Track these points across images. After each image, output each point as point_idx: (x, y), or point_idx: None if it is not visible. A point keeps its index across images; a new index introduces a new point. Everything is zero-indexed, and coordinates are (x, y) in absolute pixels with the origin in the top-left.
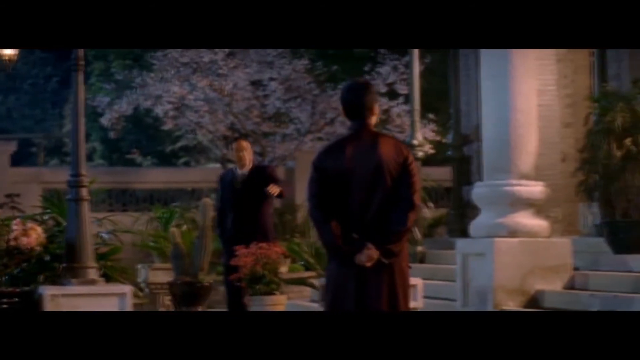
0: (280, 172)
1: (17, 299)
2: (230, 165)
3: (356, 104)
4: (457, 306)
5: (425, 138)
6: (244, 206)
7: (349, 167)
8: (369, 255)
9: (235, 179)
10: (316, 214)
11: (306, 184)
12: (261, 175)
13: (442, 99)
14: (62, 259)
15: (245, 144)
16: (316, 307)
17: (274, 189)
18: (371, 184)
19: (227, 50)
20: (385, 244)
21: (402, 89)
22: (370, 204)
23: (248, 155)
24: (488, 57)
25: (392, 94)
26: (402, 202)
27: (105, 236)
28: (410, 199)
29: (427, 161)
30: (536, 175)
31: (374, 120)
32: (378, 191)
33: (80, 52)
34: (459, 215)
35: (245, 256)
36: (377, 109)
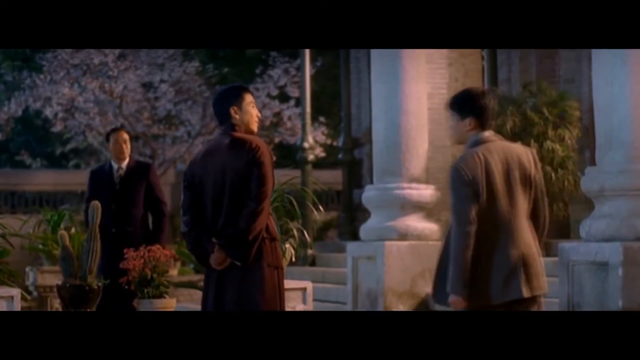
0: (170, 175)
1: None
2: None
3: (216, 109)
4: (348, 309)
5: (316, 141)
6: (125, 203)
7: (203, 174)
8: (216, 258)
9: (113, 173)
10: (183, 223)
11: None
12: (143, 172)
13: (334, 102)
14: None
15: (126, 135)
16: None
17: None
18: (220, 188)
19: (117, 52)
20: (229, 246)
21: (293, 91)
22: (221, 208)
23: (128, 148)
24: (379, 59)
25: (283, 97)
26: (247, 203)
27: None
28: (254, 195)
29: (318, 164)
30: (427, 179)
31: (239, 124)
32: (226, 194)
33: None
34: (350, 218)
35: (134, 259)
36: (241, 113)
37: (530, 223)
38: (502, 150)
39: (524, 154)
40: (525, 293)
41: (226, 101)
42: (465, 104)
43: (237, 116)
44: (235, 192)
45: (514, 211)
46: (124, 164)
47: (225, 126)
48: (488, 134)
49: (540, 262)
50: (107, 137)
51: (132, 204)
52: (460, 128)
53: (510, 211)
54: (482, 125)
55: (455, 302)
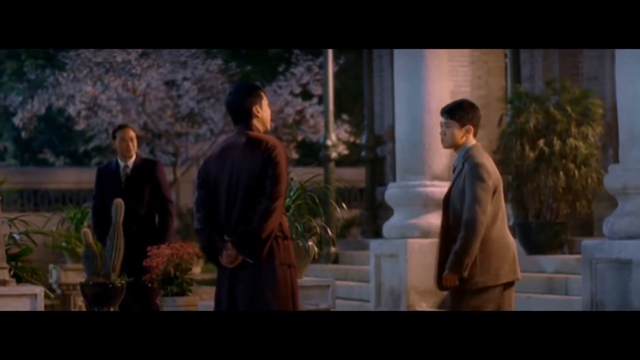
0: (193, 173)
1: None
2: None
3: (233, 108)
4: (371, 307)
5: (339, 139)
6: (131, 201)
7: (218, 172)
8: (227, 256)
9: (120, 171)
10: (195, 220)
11: None
12: (149, 170)
13: (356, 100)
14: None
15: (132, 133)
16: None
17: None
18: (235, 187)
19: (140, 50)
20: (242, 243)
21: (316, 89)
22: (234, 206)
23: (134, 145)
24: (401, 58)
25: (305, 95)
26: (261, 201)
27: (17, 237)
28: (268, 193)
29: (341, 162)
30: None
31: (256, 123)
32: (240, 192)
33: None
34: (373, 216)
35: (157, 256)
36: (259, 112)
37: None
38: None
39: None
40: (519, 275)
41: (249, 100)
42: (467, 114)
43: (259, 115)
44: (249, 191)
45: (504, 207)
46: (130, 161)
47: (243, 125)
48: (476, 142)
49: None
50: (113, 134)
51: (138, 202)
52: (458, 135)
53: (504, 207)
54: (475, 134)
55: (451, 279)
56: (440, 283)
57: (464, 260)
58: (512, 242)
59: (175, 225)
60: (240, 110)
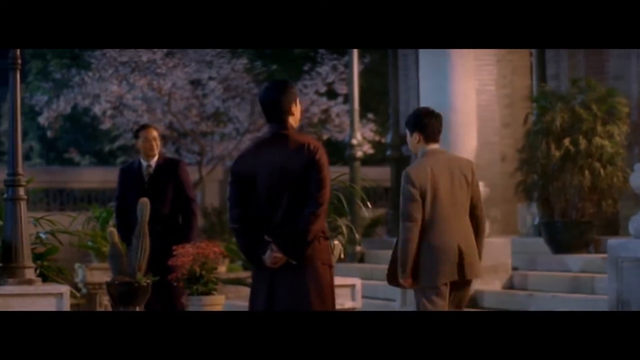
0: (219, 172)
1: None
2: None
3: (269, 105)
4: (397, 306)
5: (364, 138)
6: (154, 201)
7: (257, 170)
8: (272, 257)
9: (142, 171)
10: (230, 218)
11: None
12: (172, 169)
13: (381, 99)
14: None
15: (156, 132)
16: None
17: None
18: (277, 186)
19: (165, 49)
20: (288, 246)
21: (341, 88)
22: (277, 206)
23: (157, 145)
24: (427, 57)
25: (331, 94)
26: (307, 203)
27: (43, 236)
28: (315, 198)
29: (366, 161)
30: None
31: (291, 120)
32: (284, 193)
33: (17, 51)
34: (398, 215)
35: (183, 256)
36: (295, 110)
37: (469, 221)
38: (447, 161)
39: (465, 164)
40: (459, 277)
41: (286, 97)
42: (412, 122)
43: (295, 113)
44: (294, 193)
45: (454, 210)
46: (153, 161)
47: (279, 123)
48: (434, 147)
49: (476, 253)
50: (136, 134)
51: (161, 202)
52: (411, 142)
53: (451, 210)
54: (426, 140)
55: (405, 282)
56: (389, 278)
57: (401, 263)
58: (454, 246)
59: (199, 224)
60: (277, 107)
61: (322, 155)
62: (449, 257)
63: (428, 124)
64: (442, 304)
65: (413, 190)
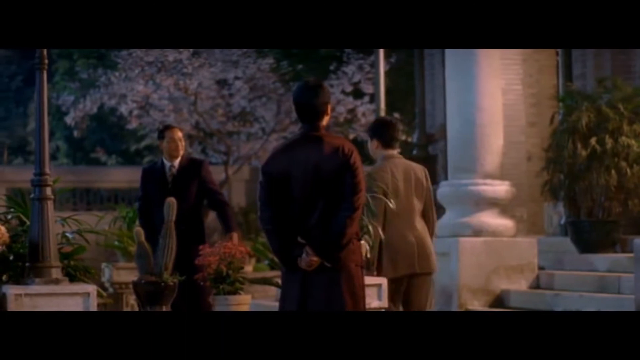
0: (245, 172)
1: None
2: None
3: (306, 106)
4: None
5: None
6: (180, 201)
7: (290, 171)
8: (308, 261)
9: (166, 172)
10: (262, 218)
11: None
12: (196, 169)
13: (408, 98)
14: (25, 259)
15: (181, 133)
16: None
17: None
18: (311, 188)
19: (192, 49)
20: (324, 249)
21: (367, 88)
22: (312, 208)
23: (182, 145)
24: (453, 56)
25: (357, 94)
26: (343, 205)
27: (70, 235)
28: (350, 201)
29: None
30: (501, 175)
31: (325, 121)
32: (318, 195)
33: (44, 51)
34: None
35: (210, 255)
36: (329, 110)
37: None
38: (404, 165)
39: (419, 170)
40: (418, 269)
41: (323, 99)
42: (371, 130)
43: (329, 114)
44: (329, 195)
45: (410, 209)
46: (176, 161)
47: (313, 123)
48: (391, 152)
49: (431, 248)
50: (161, 134)
51: (185, 201)
52: (370, 147)
53: (408, 209)
54: (383, 146)
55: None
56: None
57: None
58: (413, 242)
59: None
60: (313, 109)
61: (357, 159)
62: (408, 251)
63: (384, 132)
64: (399, 296)
65: (377, 190)
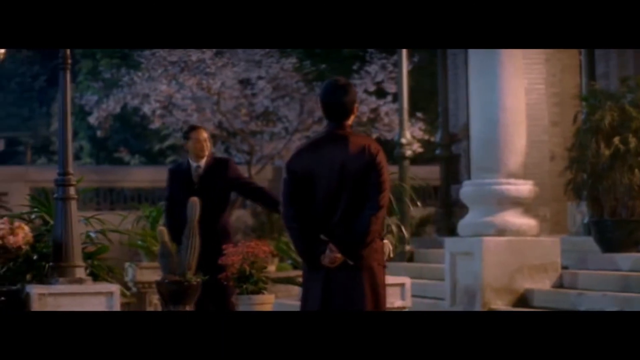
0: (268, 171)
1: (3, 298)
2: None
3: (334, 105)
4: (446, 305)
5: (413, 137)
6: (205, 202)
7: (316, 169)
8: (331, 258)
9: (192, 172)
10: (285, 216)
11: None
12: (222, 169)
13: (431, 98)
14: (49, 258)
15: (206, 133)
16: None
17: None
18: (336, 186)
19: (214, 49)
20: (348, 246)
21: (390, 87)
22: (336, 206)
23: (208, 146)
24: (476, 56)
25: (380, 93)
26: (367, 204)
27: (93, 235)
28: (375, 200)
29: (415, 160)
30: (524, 174)
31: (351, 120)
32: (343, 193)
33: (68, 51)
34: (447, 214)
35: (233, 255)
36: (356, 109)
37: None
38: None
39: None
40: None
41: (351, 98)
42: None
43: (357, 113)
44: (353, 193)
45: None
46: (203, 161)
47: (340, 122)
48: None
49: None
50: (186, 135)
51: (211, 201)
52: None
53: None
54: None
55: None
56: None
57: None
58: None
59: (249, 223)
60: (341, 108)
61: (382, 158)
62: None
63: None
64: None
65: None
